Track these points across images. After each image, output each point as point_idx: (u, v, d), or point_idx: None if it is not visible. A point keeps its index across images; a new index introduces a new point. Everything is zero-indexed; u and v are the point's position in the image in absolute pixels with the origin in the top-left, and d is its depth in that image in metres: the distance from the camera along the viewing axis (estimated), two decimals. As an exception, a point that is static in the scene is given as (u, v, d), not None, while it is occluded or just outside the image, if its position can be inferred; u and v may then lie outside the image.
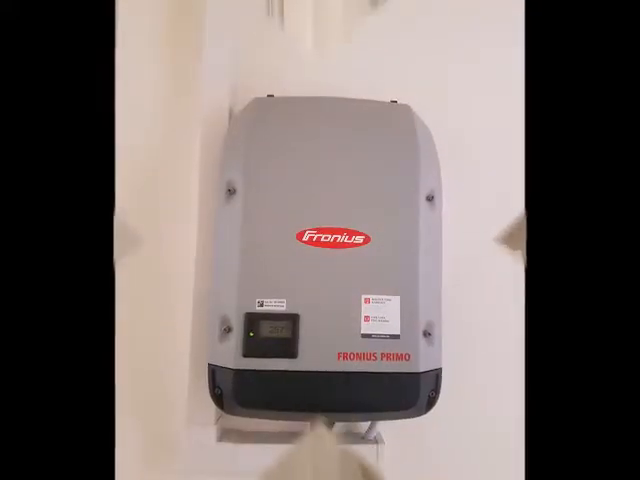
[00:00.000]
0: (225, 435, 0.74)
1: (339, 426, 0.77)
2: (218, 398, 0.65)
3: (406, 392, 0.65)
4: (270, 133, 0.70)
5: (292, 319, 0.64)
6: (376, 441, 0.74)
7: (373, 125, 0.71)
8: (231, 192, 0.68)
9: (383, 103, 0.74)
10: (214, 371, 0.65)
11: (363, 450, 0.72)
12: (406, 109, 0.73)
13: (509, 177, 0.83)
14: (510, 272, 0.80)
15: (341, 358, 0.64)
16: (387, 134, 0.70)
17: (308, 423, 0.74)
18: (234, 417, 0.70)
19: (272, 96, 0.74)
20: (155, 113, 0.84)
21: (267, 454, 0.71)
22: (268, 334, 0.64)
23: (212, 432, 0.71)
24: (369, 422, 0.75)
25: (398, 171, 0.68)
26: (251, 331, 0.64)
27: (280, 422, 0.77)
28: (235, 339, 0.64)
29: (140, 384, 0.78)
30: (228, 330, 0.65)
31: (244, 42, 0.84)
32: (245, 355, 0.64)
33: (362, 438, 0.76)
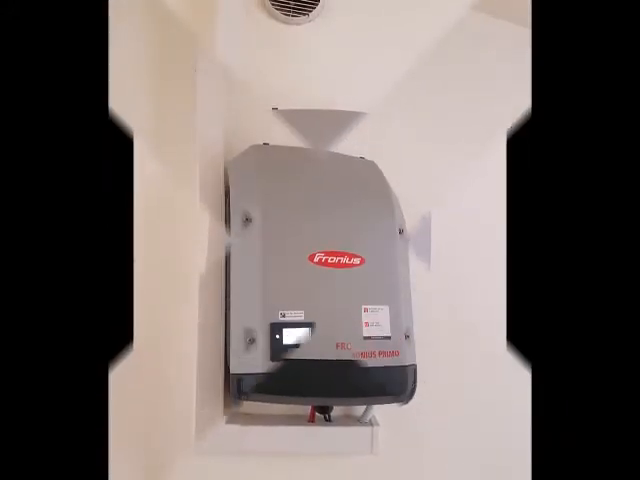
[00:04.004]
0: (233, 418, 0.82)
1: (338, 410, 0.89)
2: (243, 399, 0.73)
3: (397, 381, 0.80)
4: (274, 176, 0.84)
5: (310, 327, 0.76)
6: (371, 424, 0.88)
7: (353, 178, 0.91)
8: (248, 221, 0.79)
9: (354, 158, 0.95)
10: (240, 380, 0.72)
11: (359, 432, 0.86)
12: (373, 165, 0.95)
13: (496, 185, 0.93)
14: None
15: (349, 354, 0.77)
16: (366, 185, 0.91)
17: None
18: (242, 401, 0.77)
19: (267, 144, 0.89)
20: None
21: (272, 435, 0.81)
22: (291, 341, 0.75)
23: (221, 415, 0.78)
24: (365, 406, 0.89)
25: (379, 211, 0.88)
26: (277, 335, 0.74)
27: (283, 406, 0.86)
28: (261, 347, 0.73)
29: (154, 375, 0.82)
30: (252, 341, 0.74)
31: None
32: (272, 359, 0.73)
33: (358, 421, 0.89)
